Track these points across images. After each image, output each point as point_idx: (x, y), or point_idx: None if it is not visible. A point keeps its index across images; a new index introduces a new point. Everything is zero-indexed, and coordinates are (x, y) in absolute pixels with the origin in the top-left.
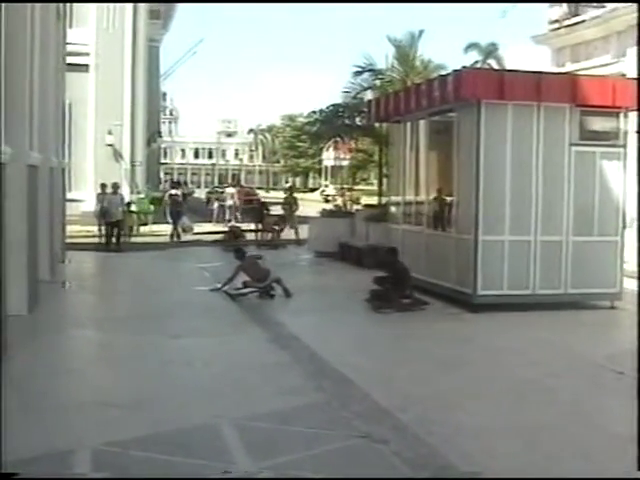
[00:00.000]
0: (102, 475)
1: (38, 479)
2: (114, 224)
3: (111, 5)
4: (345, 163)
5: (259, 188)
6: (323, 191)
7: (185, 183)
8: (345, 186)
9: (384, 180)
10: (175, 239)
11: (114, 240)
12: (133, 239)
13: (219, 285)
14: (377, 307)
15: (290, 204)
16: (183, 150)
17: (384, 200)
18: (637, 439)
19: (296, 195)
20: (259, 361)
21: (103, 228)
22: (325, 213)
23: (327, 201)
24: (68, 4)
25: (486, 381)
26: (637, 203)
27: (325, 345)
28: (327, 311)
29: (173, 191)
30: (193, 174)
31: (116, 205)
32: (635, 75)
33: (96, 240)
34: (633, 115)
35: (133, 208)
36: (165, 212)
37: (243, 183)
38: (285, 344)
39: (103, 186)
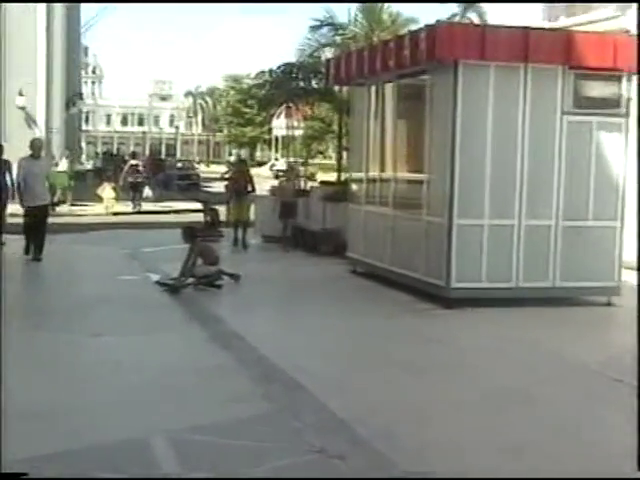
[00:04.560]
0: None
1: (48, 479)
2: (37, 211)
3: None
4: (299, 133)
5: (198, 161)
6: (273, 165)
7: (112, 155)
8: (295, 159)
9: (344, 153)
10: (137, 209)
11: (35, 241)
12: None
13: (155, 277)
14: None
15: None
16: (108, 115)
17: (344, 176)
18: (637, 439)
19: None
20: (197, 364)
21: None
22: (275, 191)
23: (278, 177)
24: None
25: (460, 389)
26: (637, 184)
27: (274, 345)
28: (276, 306)
29: (134, 161)
30: (120, 144)
31: (39, 177)
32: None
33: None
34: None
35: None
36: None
37: (179, 155)
38: (227, 344)
39: None
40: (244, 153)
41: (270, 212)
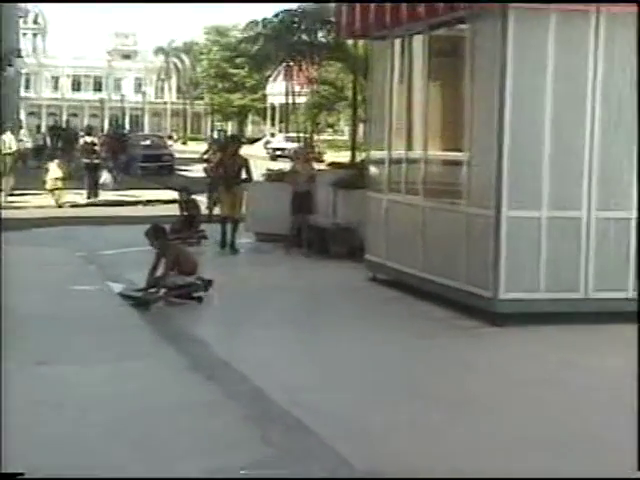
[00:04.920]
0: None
1: (45, 479)
2: None
3: None
4: (302, 100)
5: (173, 139)
6: (268, 142)
7: (61, 129)
8: (298, 134)
9: (360, 126)
10: (93, 200)
11: None
12: None
13: (118, 287)
14: None
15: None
16: (56, 79)
17: (360, 157)
18: (637, 439)
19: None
20: (174, 400)
21: None
22: (272, 177)
23: (274, 158)
24: None
25: (510, 432)
26: (637, 177)
27: (271, 375)
28: (274, 324)
29: (89, 138)
30: (72, 115)
31: None
32: None
33: None
34: None
35: None
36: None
37: (147, 130)
38: (212, 374)
39: None
40: (231, 127)
41: (265, 204)
